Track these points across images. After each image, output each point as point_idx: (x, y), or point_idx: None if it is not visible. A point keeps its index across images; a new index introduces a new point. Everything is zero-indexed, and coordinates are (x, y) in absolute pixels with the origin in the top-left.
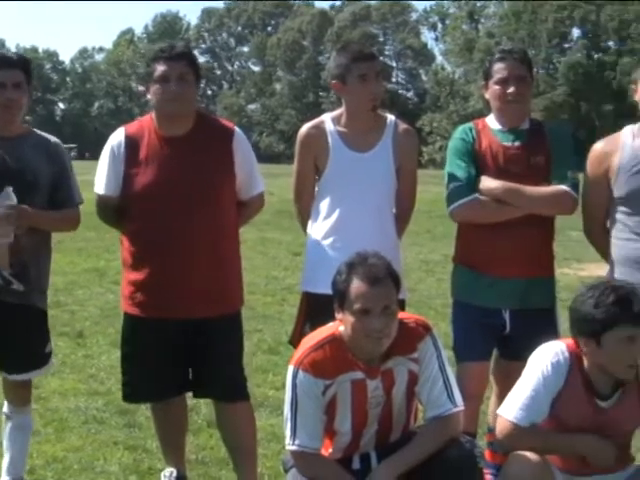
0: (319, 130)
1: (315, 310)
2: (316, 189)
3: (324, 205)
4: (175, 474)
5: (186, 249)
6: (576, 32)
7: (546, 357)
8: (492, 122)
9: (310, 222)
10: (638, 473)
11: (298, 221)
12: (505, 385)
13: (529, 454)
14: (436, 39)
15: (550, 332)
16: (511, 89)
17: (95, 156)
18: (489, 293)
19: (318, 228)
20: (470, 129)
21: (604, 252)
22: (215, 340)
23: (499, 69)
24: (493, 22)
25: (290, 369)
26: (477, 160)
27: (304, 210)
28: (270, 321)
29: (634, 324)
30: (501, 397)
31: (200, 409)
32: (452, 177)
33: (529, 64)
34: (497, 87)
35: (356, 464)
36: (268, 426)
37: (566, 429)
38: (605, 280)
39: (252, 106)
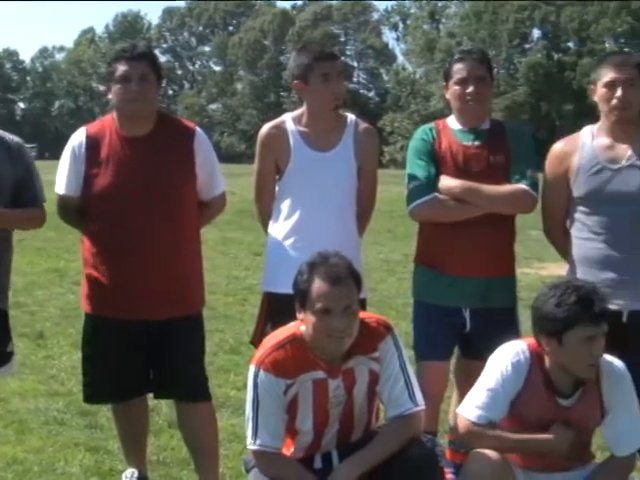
0: (280, 130)
1: (276, 310)
2: (277, 189)
3: (285, 205)
4: (136, 475)
5: (147, 250)
6: (536, 33)
7: (507, 356)
8: (453, 122)
9: (271, 222)
10: (598, 470)
11: (259, 221)
12: (466, 384)
13: (489, 452)
14: (397, 39)
15: (511, 331)
16: (470, 89)
17: (55, 156)
18: (449, 292)
19: (279, 228)
20: (430, 129)
21: (564, 251)
22: (177, 341)
23: (458, 69)
24: (454, 22)
25: (251, 369)
26: (437, 160)
27: (265, 210)
28: (231, 321)
29: (595, 323)
30: (462, 396)
31: (161, 410)
32: (412, 176)
33: (488, 64)
34: (457, 87)
35: (318, 463)
36: (229, 426)
37: (527, 427)
38: (567, 279)
39: (213, 106)
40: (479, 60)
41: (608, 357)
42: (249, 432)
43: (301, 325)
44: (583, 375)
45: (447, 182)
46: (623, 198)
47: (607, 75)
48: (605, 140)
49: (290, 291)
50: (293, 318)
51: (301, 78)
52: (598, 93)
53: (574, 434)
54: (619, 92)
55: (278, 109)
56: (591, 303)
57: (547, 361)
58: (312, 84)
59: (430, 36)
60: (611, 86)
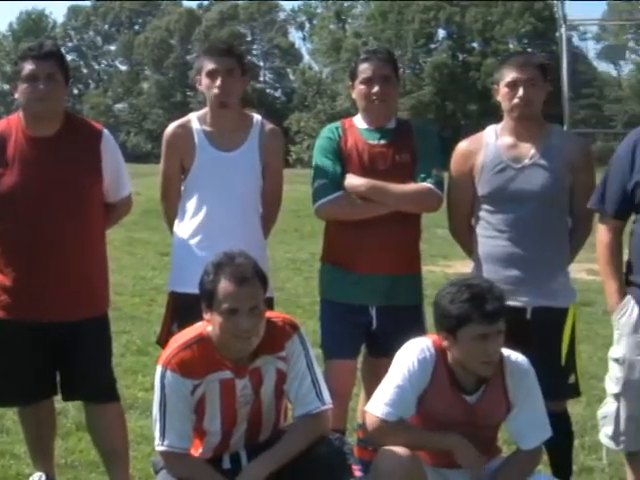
0: (185, 129)
1: (183, 310)
2: (182, 188)
3: (190, 204)
4: (44, 479)
5: (53, 251)
6: (442, 33)
7: (412, 353)
8: (359, 121)
9: (176, 222)
10: (505, 465)
11: (164, 221)
12: (373, 382)
13: (398, 449)
14: (304, 39)
15: (417, 329)
16: (375, 88)
17: None
18: (355, 290)
19: (185, 228)
20: (337, 128)
21: (469, 249)
22: (84, 342)
23: (364, 69)
24: (360, 22)
25: (158, 369)
26: (344, 158)
27: (170, 209)
28: (138, 322)
29: (487, 322)
30: (369, 394)
31: (69, 412)
32: (318, 175)
33: (394, 64)
34: (362, 87)
35: (226, 464)
36: (138, 428)
37: (435, 424)
38: (465, 277)
39: (119, 105)
40: (385, 60)
41: (512, 353)
42: (157, 433)
43: (208, 325)
44: (479, 372)
45: (353, 180)
46: (526, 196)
47: (509, 75)
48: (508, 139)
49: (196, 291)
50: (200, 318)
51: (198, 75)
52: (501, 92)
53: (475, 449)
54: (521, 92)
55: (184, 108)
56: (483, 301)
57: (449, 357)
58: (203, 80)
59: (336, 36)
60: (513, 86)
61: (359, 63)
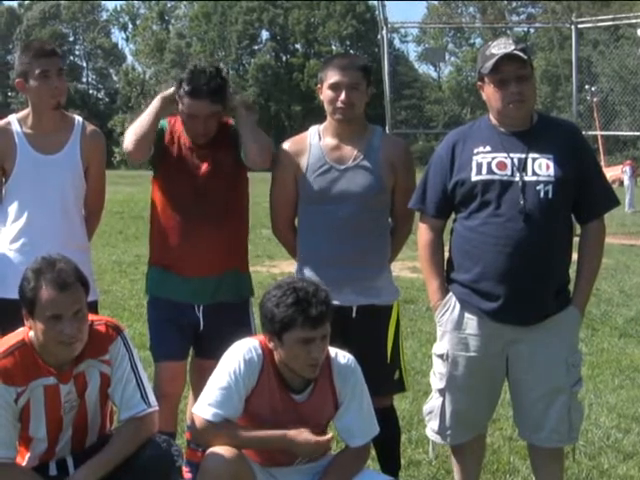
0: (5, 131)
1: (5, 316)
2: (3, 192)
3: (12, 208)
4: None
5: None
6: (265, 34)
7: (239, 353)
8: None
9: None
10: (334, 462)
11: None
12: (201, 383)
13: (225, 449)
14: (127, 39)
15: (243, 331)
16: (200, 128)
17: None
18: (182, 289)
19: (7, 232)
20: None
21: (292, 250)
22: None
23: (188, 105)
24: (184, 23)
25: None
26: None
27: None
28: None
29: (311, 327)
30: (198, 396)
31: None
32: None
33: (222, 95)
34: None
35: (53, 471)
36: None
37: (263, 424)
38: (292, 279)
39: None
40: (211, 98)
41: (339, 352)
42: None
43: (29, 331)
44: (304, 374)
45: None
46: (349, 197)
47: (332, 77)
48: (331, 140)
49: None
50: (24, 324)
51: (22, 76)
52: (324, 94)
53: (311, 433)
54: (343, 95)
55: (5, 109)
56: (308, 305)
57: (276, 357)
58: (32, 81)
59: (160, 36)
60: (336, 88)
61: (184, 97)
